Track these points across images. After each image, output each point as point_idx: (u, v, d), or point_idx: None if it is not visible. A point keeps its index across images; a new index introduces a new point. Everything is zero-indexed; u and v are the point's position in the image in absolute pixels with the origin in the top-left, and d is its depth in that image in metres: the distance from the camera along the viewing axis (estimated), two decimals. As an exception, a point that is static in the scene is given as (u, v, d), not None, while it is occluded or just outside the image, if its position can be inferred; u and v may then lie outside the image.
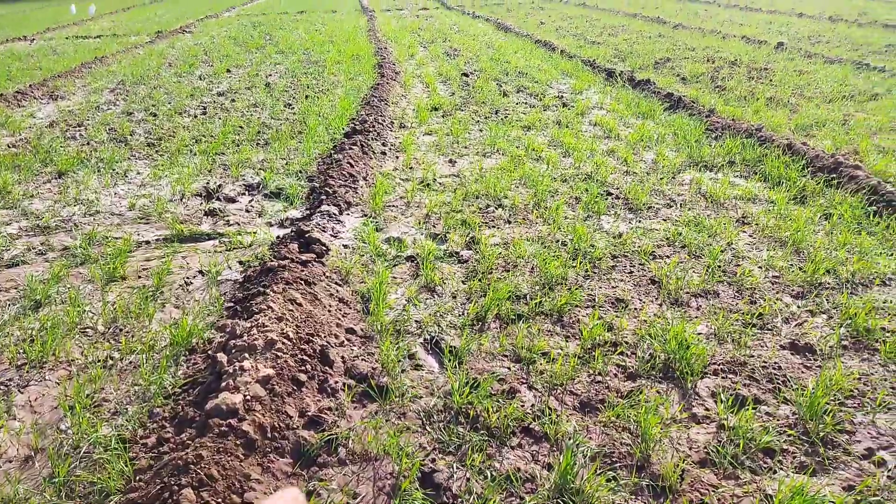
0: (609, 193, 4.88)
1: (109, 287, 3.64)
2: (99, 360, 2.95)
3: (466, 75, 9.64)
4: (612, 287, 3.54)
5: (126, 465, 2.29)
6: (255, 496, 2.15)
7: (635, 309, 3.32)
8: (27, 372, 2.89)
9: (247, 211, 4.86)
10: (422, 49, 12.60)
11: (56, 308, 3.39)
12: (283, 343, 2.84)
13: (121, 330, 3.21)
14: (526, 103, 7.92)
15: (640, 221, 4.40)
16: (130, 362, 2.94)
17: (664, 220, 4.41)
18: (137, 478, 2.25)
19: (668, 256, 3.88)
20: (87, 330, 3.22)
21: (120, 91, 9.06)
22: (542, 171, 5.35)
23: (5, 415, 2.63)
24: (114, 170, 5.63)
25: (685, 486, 2.24)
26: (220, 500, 2.09)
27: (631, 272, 3.70)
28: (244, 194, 5.18)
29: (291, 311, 3.15)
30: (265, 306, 3.11)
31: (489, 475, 2.26)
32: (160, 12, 22.33)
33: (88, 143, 6.47)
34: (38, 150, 6.22)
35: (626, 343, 3.01)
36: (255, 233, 4.40)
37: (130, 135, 6.72)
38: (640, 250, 3.93)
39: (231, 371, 2.62)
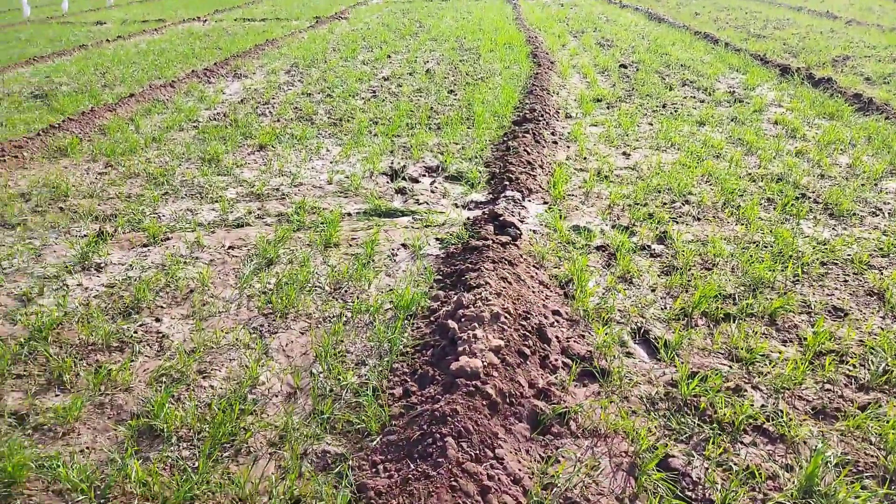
0: (805, 196, 4.66)
1: (327, 252, 4.00)
2: (335, 316, 3.27)
3: (625, 66, 9.46)
4: (827, 295, 3.41)
5: (382, 409, 2.55)
6: (503, 452, 2.33)
7: (856, 319, 3.19)
8: (275, 320, 3.27)
9: (431, 192, 5.12)
10: (573, 39, 12.48)
11: (286, 267, 3.78)
12: (506, 317, 3.01)
13: (346, 291, 3.53)
14: (694, 97, 7.66)
15: (845, 228, 4.18)
16: (361, 320, 3.24)
17: (873, 229, 4.16)
18: (392, 422, 2.50)
19: (884, 268, 3.66)
20: (316, 288, 3.57)
21: (294, 73, 9.75)
22: (726, 169, 5.19)
23: (264, 356, 3.00)
24: (306, 146, 6.12)
25: (942, 506, 2.16)
26: (476, 451, 2.28)
27: (846, 281, 3.54)
28: (426, 175, 5.45)
29: (505, 288, 3.32)
30: (483, 281, 3.30)
31: (730, 467, 2.29)
32: (312, -2, 23.57)
33: (279, 121, 7.06)
34: (237, 124, 6.87)
35: (854, 354, 2.91)
36: (445, 213, 4.64)
37: (315, 114, 7.25)
38: (853, 259, 3.74)
39: (465, 338, 2.82)
